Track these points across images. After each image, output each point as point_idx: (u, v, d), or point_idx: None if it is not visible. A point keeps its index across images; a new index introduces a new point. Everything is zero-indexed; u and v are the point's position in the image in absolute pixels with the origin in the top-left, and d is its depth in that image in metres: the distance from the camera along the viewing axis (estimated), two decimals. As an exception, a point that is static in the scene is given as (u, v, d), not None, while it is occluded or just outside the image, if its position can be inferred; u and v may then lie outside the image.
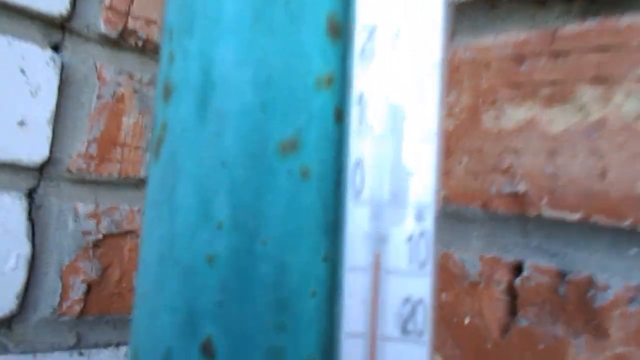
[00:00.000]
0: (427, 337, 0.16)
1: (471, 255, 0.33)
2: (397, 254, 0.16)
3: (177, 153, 0.16)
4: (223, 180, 0.15)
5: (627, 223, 0.26)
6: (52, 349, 0.47)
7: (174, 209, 0.16)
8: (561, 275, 0.29)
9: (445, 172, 0.34)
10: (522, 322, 0.29)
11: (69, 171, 0.48)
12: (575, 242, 0.29)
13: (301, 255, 0.16)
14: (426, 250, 0.16)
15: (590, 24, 0.29)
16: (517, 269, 0.31)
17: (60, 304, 0.48)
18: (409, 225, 0.16)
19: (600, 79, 0.28)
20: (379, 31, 0.16)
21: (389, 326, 0.16)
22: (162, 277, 0.16)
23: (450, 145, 0.34)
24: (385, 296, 0.16)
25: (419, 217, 0.16)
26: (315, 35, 0.16)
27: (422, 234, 0.16)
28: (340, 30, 0.16)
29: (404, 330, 0.16)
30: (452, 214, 0.34)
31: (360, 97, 0.16)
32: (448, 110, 0.35)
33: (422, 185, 0.16)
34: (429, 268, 0.16)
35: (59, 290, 0.48)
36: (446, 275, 0.34)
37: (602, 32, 0.28)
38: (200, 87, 0.16)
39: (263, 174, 0.15)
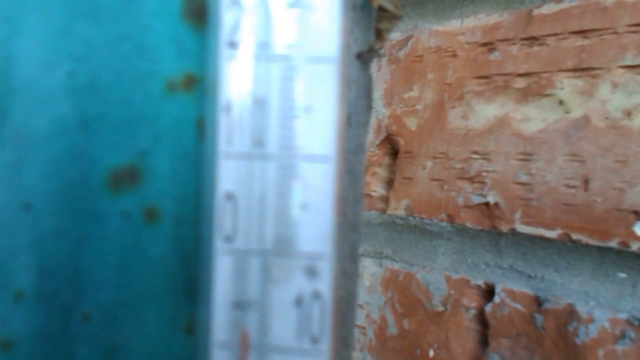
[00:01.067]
0: None
1: (437, 276, 0.28)
2: (281, 324, 0.11)
3: (-31, 189, 0.11)
4: (24, 230, 0.11)
5: (614, 242, 0.22)
6: None
7: (-34, 268, 0.11)
8: (538, 302, 0.24)
9: (408, 179, 0.30)
10: (494, 357, 0.25)
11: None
12: (555, 262, 0.24)
13: (147, 331, 0.11)
14: (321, 319, 0.11)
15: (571, 3, 0.24)
16: (489, 292, 0.26)
17: None
18: (297, 283, 0.11)
19: (582, 69, 0.24)
20: (253, 12, 0.11)
21: None
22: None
23: (414, 148, 0.30)
24: (264, 385, 0.11)
25: (311, 271, 0.11)
26: (165, 18, 0.12)
27: (315, 296, 0.11)
28: (203, 13, 0.12)
29: None
30: (415, 228, 0.30)
31: (229, 105, 0.12)
32: (410, 107, 0.30)
33: (316, 227, 0.11)
34: (326, 344, 0.11)
35: None
36: (408, 300, 0.29)
37: (584, 13, 0.24)
38: (-3, 95, 0.11)
39: (84, 220, 0.11)
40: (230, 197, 0.12)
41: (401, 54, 0.32)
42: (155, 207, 0.11)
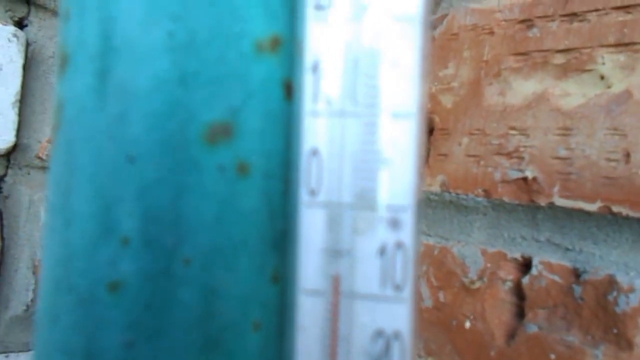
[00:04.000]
0: (405, 381, 0.12)
1: (472, 250, 0.29)
2: (365, 273, 0.12)
3: (72, 143, 0.12)
4: (130, 180, 0.11)
5: (655, 214, 0.22)
6: (26, 348, 0.45)
7: (70, 218, 0.12)
8: (576, 274, 0.25)
9: (444, 155, 0.30)
10: (531, 327, 0.26)
11: (39, 158, 0.45)
12: (593, 235, 0.25)
13: (239, 276, 0.12)
14: (404, 268, 0.12)
15: (612, -22, 0.24)
16: (525, 266, 0.27)
17: (33, 301, 0.45)
18: (380, 234, 0.12)
19: (624, 44, 0.24)
20: (339, -25, 0.12)
21: (356, 368, 0.12)
22: (56, 309, 0.12)
23: (449, 125, 0.30)
24: (349, 329, 0.12)
25: (393, 223, 0.12)
26: (254, -18, 0.12)
27: (398, 246, 0.12)
28: (288, -24, 0.12)
29: (375, 374, 0.12)
30: (450, 203, 0.30)
31: (316, 65, 0.12)
32: (446, 85, 0.31)
33: (398, 180, 0.12)
34: (408, 291, 0.12)
35: (32, 286, 0.45)
36: (444, 273, 0.30)
37: (626, -12, 0.24)
38: (99, 54, 0.12)
39: (184, 171, 0.11)
40: (315, 152, 0.12)
41: (436, 32, 0.32)
42: (246, 162, 0.12)
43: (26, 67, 0.44)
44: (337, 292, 0.12)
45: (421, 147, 0.12)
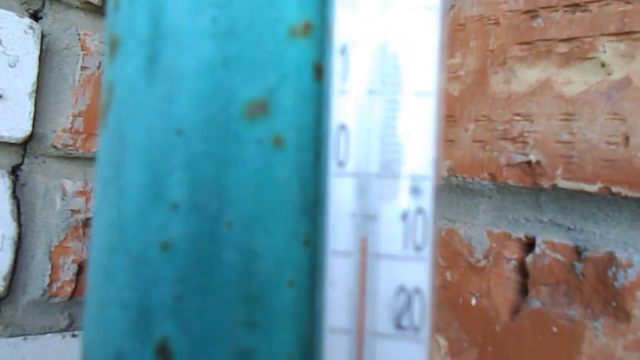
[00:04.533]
0: (425, 333, 0.13)
1: (478, 231, 0.30)
2: (389, 236, 0.13)
3: (124, 120, 0.13)
4: (178, 152, 0.13)
5: (652, 194, 0.24)
6: (44, 331, 0.46)
7: (123, 188, 0.13)
8: (577, 252, 0.26)
9: (450, 141, 0.32)
10: (534, 303, 0.27)
11: (55, 147, 0.46)
12: (594, 215, 0.26)
13: (275, 239, 0.13)
14: (424, 231, 0.13)
15: (613, -30, 0.26)
16: (529, 245, 0.28)
17: (50, 286, 0.46)
18: (403, 200, 0.13)
19: (625, 33, 0.25)
20: (365, -33, 0.13)
21: (380, 321, 0.13)
22: (112, 268, 0.13)
23: (456, 113, 0.32)
24: (375, 285, 0.13)
25: (415, 190, 0.13)
26: (288, -27, 0.13)
27: (418, 211, 0.13)
28: (318, -33, 0.14)
29: (398, 326, 0.13)
30: (457, 187, 0.32)
31: (344, 48, 0.13)
32: (452, 74, 0.32)
33: (419, 152, 0.13)
34: (427, 252, 0.13)
35: (49, 272, 0.46)
36: (450, 253, 0.31)
37: (626, -20, 0.25)
38: (148, 39, 0.13)
39: (226, 144, 0.13)
40: (343, 127, 0.14)
41: (443, 23, 0.33)
42: (281, 135, 0.13)
43: (42, 59, 0.45)
44: (364, 253, 0.13)
45: (441, 123, 0.13)
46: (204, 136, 0.13)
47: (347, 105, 0.13)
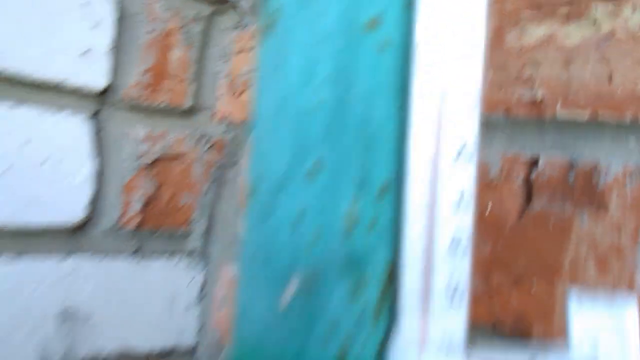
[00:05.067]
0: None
1: (493, 155, 0.38)
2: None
3: (290, 28, 0.21)
4: (326, 48, 0.21)
5: (628, 118, 0.32)
6: (118, 253, 0.54)
7: (287, 71, 0.21)
8: (571, 165, 0.34)
9: (472, 86, 0.39)
10: (536, 206, 0.35)
11: (126, 98, 0.54)
12: (584, 136, 0.34)
13: (381, 105, 0.21)
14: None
15: (605, -51, 0.33)
16: (533, 164, 0.36)
17: (122, 217, 0.54)
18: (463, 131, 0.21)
19: (612, -3, 0.33)
20: None
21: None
22: (279, 121, 0.21)
23: (477, 63, 0.39)
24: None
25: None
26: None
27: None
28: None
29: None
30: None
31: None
32: (476, 32, 0.40)
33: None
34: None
35: (121, 205, 0.54)
36: (472, 173, 0.39)
37: (614, -44, 0.33)
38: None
39: (355, 44, 0.21)
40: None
41: (468, -9, 0.41)
42: (387, 41, 0.21)
43: (119, 21, 0.53)
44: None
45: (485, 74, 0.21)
46: (342, 39, 0.21)
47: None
